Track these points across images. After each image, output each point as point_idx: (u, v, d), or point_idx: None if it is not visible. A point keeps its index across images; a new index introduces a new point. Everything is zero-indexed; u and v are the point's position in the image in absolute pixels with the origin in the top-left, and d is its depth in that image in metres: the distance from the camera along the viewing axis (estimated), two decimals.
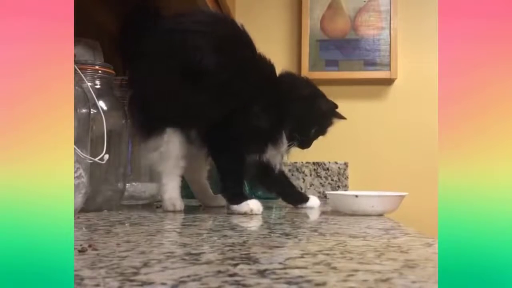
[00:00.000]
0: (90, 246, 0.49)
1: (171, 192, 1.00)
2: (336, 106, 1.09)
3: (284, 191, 1.15)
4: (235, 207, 0.94)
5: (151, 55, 0.99)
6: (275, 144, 1.02)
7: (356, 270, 0.41)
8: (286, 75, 1.09)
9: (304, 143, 1.07)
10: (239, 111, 0.98)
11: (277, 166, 1.08)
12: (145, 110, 0.99)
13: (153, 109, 0.98)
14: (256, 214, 0.92)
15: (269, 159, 1.04)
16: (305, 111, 1.04)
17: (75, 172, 0.79)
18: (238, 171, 1.00)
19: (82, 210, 0.85)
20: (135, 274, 0.38)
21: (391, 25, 1.62)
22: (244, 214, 0.92)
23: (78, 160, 0.80)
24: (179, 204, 0.99)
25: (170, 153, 0.98)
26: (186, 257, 0.45)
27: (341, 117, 1.11)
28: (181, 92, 0.96)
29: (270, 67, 1.06)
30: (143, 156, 1.03)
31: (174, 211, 0.97)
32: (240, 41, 1.02)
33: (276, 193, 1.16)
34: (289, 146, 1.04)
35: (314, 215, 0.96)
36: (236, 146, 0.99)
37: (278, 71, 1.07)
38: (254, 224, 0.79)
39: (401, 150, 1.62)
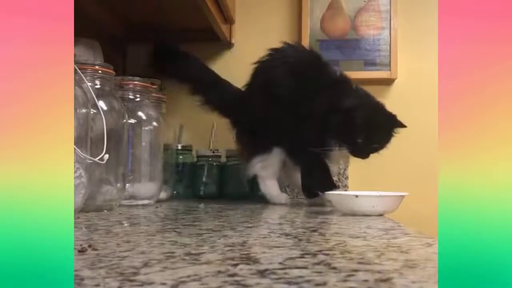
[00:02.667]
0: (90, 246, 0.49)
1: (277, 189, 1.26)
2: (392, 118, 1.18)
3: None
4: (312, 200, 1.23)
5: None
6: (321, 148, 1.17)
7: (356, 270, 0.41)
8: (344, 87, 1.21)
9: (356, 152, 1.16)
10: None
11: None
12: (257, 135, 1.25)
13: (264, 134, 1.24)
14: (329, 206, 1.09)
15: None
16: (342, 123, 1.13)
17: (75, 172, 0.79)
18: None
19: (82, 210, 0.85)
20: (135, 274, 0.38)
21: (391, 25, 1.62)
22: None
23: (78, 160, 0.79)
24: (285, 197, 1.26)
25: (273, 165, 1.25)
26: (186, 257, 0.45)
27: (401, 125, 1.19)
28: (281, 120, 1.21)
29: (342, 84, 1.22)
30: (249, 167, 1.27)
31: (280, 204, 1.21)
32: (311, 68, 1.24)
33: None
34: (326, 150, 1.17)
35: (314, 215, 0.96)
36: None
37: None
38: (254, 224, 0.79)
39: (401, 150, 1.62)
